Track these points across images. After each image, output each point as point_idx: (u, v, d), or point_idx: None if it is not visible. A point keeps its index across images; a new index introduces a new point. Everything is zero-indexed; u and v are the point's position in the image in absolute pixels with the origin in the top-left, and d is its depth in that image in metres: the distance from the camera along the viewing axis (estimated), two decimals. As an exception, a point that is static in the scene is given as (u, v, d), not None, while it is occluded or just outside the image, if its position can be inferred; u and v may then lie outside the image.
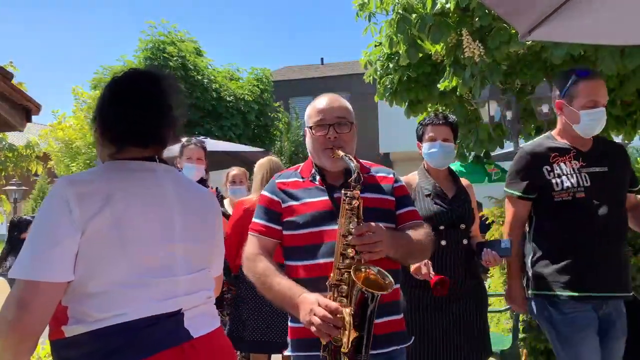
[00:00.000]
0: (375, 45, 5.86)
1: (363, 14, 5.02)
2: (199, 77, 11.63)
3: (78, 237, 1.13)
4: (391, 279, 1.44)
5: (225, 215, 3.16)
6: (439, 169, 2.46)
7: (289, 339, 1.71)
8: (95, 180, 1.20)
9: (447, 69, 4.82)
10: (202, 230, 1.38)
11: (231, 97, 12.20)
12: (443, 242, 2.33)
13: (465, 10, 4.33)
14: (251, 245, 1.71)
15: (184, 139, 3.26)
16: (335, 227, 1.55)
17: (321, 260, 1.61)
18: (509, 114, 4.61)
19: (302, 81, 18.51)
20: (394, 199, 1.73)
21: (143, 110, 1.28)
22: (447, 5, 4.23)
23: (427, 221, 2.21)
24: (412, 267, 2.18)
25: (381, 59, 5.69)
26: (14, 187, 11.63)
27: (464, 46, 4.33)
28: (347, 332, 1.37)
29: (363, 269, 1.45)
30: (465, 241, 2.38)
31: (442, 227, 2.34)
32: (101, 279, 1.15)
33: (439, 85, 5.11)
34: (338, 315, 1.38)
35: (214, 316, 1.36)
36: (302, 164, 1.84)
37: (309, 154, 1.80)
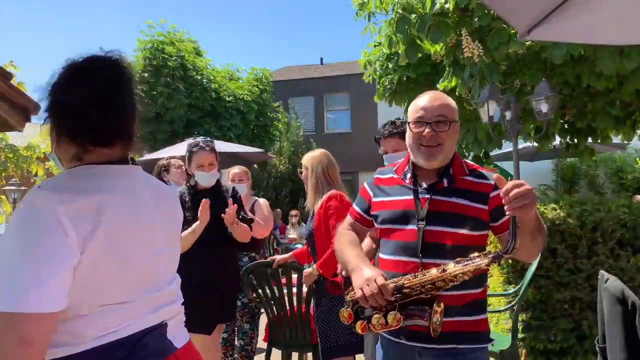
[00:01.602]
0: (375, 45, 5.86)
1: (362, 14, 5.01)
2: (198, 77, 11.61)
3: (75, 262, 1.03)
4: (439, 324, 1.56)
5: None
6: None
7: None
8: (80, 193, 1.07)
9: (447, 69, 4.82)
10: (177, 234, 1.36)
11: (230, 97, 12.19)
12: None
13: (465, 10, 4.33)
14: (346, 223, 1.94)
15: (189, 140, 3.15)
16: (411, 227, 1.67)
17: (388, 257, 1.72)
18: (508, 114, 4.61)
19: (302, 81, 18.49)
20: (486, 207, 1.67)
21: (115, 101, 1.15)
22: (447, 5, 4.23)
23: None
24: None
25: (380, 59, 5.69)
26: (14, 188, 11.61)
27: (464, 46, 4.33)
28: (379, 315, 1.59)
29: (437, 305, 1.57)
30: None
31: None
32: (96, 301, 1.09)
33: (438, 86, 5.10)
34: (385, 297, 1.54)
35: (183, 327, 1.34)
36: (401, 160, 1.87)
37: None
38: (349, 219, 1.94)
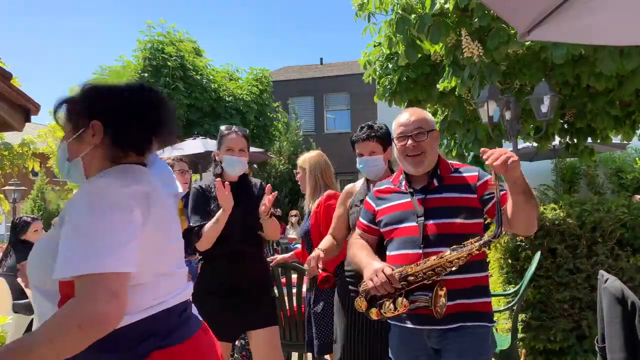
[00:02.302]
0: (375, 46, 5.86)
1: (362, 14, 5.02)
2: (198, 77, 11.61)
3: (140, 233, 1.22)
4: (444, 307, 1.75)
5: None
6: (376, 179, 2.53)
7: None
8: (134, 181, 1.27)
9: (446, 69, 4.83)
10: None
11: (230, 97, 12.19)
12: None
13: (465, 10, 4.33)
14: (355, 234, 2.18)
15: (222, 127, 2.88)
16: (412, 224, 1.90)
17: (394, 252, 1.95)
18: (507, 114, 4.60)
19: (301, 81, 18.49)
20: (475, 196, 1.90)
21: (157, 120, 1.38)
22: (446, 6, 4.24)
23: (355, 228, 2.44)
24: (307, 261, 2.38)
25: (380, 59, 5.69)
26: (13, 187, 11.60)
27: (463, 46, 4.33)
28: (389, 302, 1.79)
29: (439, 289, 1.76)
30: None
31: None
32: (150, 270, 1.26)
33: (438, 86, 5.11)
34: (393, 285, 1.77)
35: None
36: (396, 173, 2.14)
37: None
38: (357, 231, 2.16)
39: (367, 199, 2.15)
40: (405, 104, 5.72)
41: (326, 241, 2.54)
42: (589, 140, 5.82)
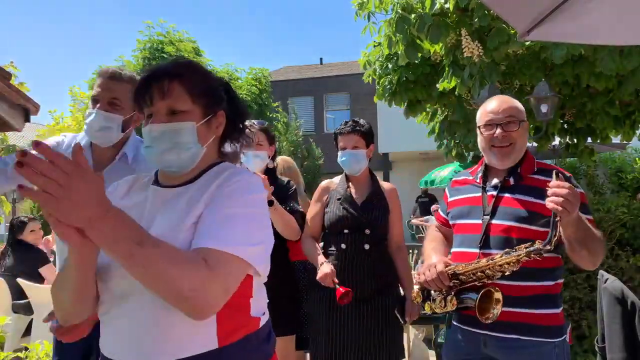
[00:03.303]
0: (374, 45, 5.86)
1: (362, 14, 5.01)
2: (198, 77, 11.59)
3: None
4: (496, 313, 1.66)
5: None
6: (357, 175, 2.53)
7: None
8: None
9: (446, 69, 4.82)
10: None
11: (230, 97, 12.17)
12: (343, 246, 2.42)
13: (465, 10, 4.33)
14: (433, 226, 2.13)
15: None
16: (476, 221, 1.81)
17: (456, 249, 1.88)
18: (507, 114, 4.60)
19: (301, 81, 18.50)
20: None
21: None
22: (446, 6, 4.23)
23: (333, 225, 2.48)
24: (319, 274, 2.30)
25: (380, 59, 5.68)
26: (12, 188, 11.59)
27: (463, 46, 4.33)
28: (441, 298, 1.77)
29: (492, 293, 1.68)
30: (367, 246, 2.41)
31: (346, 231, 2.44)
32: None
33: (438, 86, 5.10)
34: (443, 282, 1.73)
35: None
36: (477, 164, 2.02)
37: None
38: (435, 223, 2.12)
39: (446, 189, 2.07)
40: (405, 104, 5.72)
41: (315, 248, 2.46)
42: (589, 140, 5.82)
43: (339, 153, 2.53)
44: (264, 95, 13.25)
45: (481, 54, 4.25)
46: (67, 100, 23.23)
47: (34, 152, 0.84)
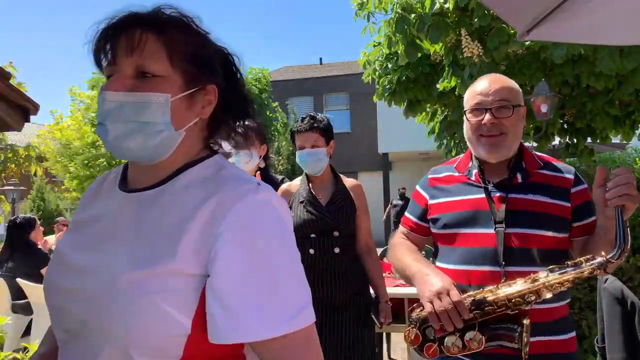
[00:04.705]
0: (374, 45, 5.86)
1: (362, 14, 5.01)
2: (198, 77, 11.62)
3: None
4: (526, 344, 1.29)
5: None
6: (318, 175, 2.42)
7: None
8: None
9: (446, 69, 4.82)
10: None
11: (230, 97, 12.19)
12: (311, 251, 2.29)
13: (464, 10, 4.33)
14: (399, 233, 1.70)
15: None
16: (487, 230, 1.42)
17: (455, 267, 1.46)
18: (507, 114, 4.60)
19: (301, 81, 18.51)
20: (569, 205, 1.44)
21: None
22: (446, 5, 4.23)
23: (299, 229, 2.30)
24: None
25: (380, 58, 5.68)
26: (12, 187, 11.59)
27: (463, 46, 4.33)
28: (455, 336, 1.33)
29: (524, 321, 1.31)
30: (337, 249, 2.29)
31: (313, 235, 2.31)
32: None
33: (438, 86, 5.10)
34: (462, 315, 1.30)
35: None
36: (461, 156, 1.65)
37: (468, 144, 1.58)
38: (401, 229, 1.71)
39: (418, 187, 1.67)
40: (405, 103, 5.72)
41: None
42: (589, 140, 5.82)
43: (297, 153, 2.41)
44: (264, 95, 13.28)
45: (481, 53, 4.25)
46: (67, 100, 23.23)
47: None
